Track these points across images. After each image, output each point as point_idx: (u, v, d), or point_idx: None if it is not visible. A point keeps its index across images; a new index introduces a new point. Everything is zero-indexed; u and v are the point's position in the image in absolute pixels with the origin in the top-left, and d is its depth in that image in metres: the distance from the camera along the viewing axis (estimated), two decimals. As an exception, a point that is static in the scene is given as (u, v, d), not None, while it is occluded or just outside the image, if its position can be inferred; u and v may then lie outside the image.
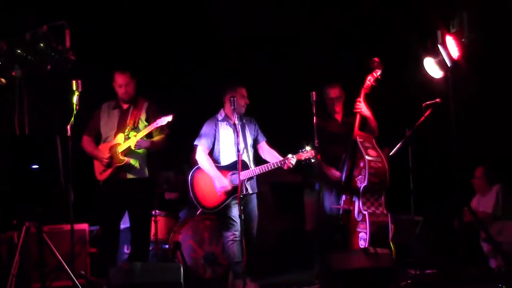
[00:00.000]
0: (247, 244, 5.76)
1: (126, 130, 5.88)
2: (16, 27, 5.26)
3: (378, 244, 5.47)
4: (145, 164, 5.92)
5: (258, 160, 6.10)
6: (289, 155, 5.74)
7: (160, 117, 5.81)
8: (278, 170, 6.03)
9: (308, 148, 5.72)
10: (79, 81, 5.36)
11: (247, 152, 5.95)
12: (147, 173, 5.93)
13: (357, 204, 5.83)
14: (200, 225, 6.77)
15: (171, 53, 7.80)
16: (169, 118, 5.80)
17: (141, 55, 7.51)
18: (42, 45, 5.08)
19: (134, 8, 7.35)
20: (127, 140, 5.83)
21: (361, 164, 5.85)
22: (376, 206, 5.84)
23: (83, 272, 5.83)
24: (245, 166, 5.81)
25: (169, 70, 7.81)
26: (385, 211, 5.84)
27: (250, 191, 5.86)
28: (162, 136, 5.97)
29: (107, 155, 5.85)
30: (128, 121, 5.92)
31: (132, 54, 7.38)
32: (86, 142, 6.02)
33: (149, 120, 5.94)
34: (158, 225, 6.70)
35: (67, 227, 5.52)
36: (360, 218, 5.79)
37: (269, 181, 7.99)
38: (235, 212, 5.83)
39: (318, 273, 5.97)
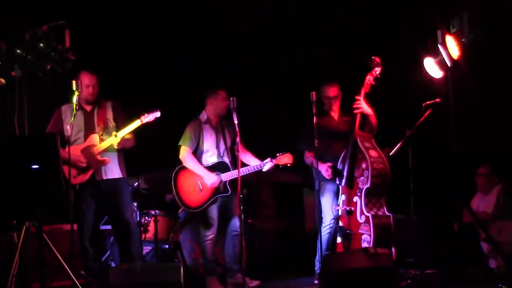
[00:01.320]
0: (218, 241, 6.15)
1: (97, 131, 5.85)
2: (16, 27, 5.25)
3: (383, 245, 5.45)
4: (117, 163, 5.92)
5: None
6: (267, 160, 6.00)
7: (144, 114, 5.83)
8: (278, 171, 6.18)
9: (285, 153, 5.98)
10: (79, 81, 5.37)
11: (227, 154, 6.17)
12: (121, 172, 5.94)
13: (359, 206, 5.81)
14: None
15: (170, 53, 7.81)
16: (157, 114, 5.84)
17: (139, 55, 7.52)
18: (41, 45, 5.07)
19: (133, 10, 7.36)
20: (104, 141, 5.80)
21: (363, 166, 5.81)
22: (378, 207, 5.82)
23: (83, 272, 5.81)
24: (226, 168, 6.06)
25: (169, 70, 7.81)
26: (386, 212, 5.82)
27: (230, 192, 6.06)
28: (132, 134, 5.96)
29: (83, 159, 5.78)
30: (96, 122, 5.89)
31: (131, 54, 7.39)
32: None
33: (116, 120, 5.94)
34: (158, 225, 6.69)
35: (67, 227, 5.52)
36: (362, 220, 5.75)
37: (269, 181, 8.00)
38: (214, 212, 6.09)
39: (318, 273, 5.98)
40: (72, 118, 5.49)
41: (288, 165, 6.01)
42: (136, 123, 5.84)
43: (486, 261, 6.44)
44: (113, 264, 6.55)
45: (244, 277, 5.86)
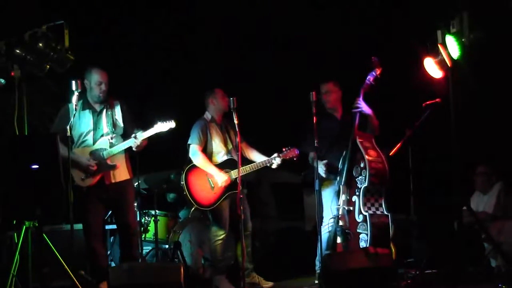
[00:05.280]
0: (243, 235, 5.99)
1: (106, 133, 5.65)
2: (16, 27, 5.26)
3: (380, 245, 5.46)
4: (125, 165, 5.78)
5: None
6: (274, 155, 6.14)
7: (158, 123, 5.61)
8: (279, 170, 6.22)
9: (292, 147, 6.13)
10: (79, 81, 5.34)
11: (235, 151, 6.20)
12: (129, 173, 5.82)
13: (357, 205, 5.81)
14: (200, 225, 6.77)
15: (170, 53, 7.81)
16: (171, 125, 5.64)
17: (140, 55, 7.52)
18: (41, 45, 5.08)
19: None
20: (119, 145, 5.62)
21: (362, 165, 5.82)
22: (376, 207, 5.82)
23: (83, 272, 5.81)
24: (236, 165, 6.02)
25: (169, 70, 7.82)
26: (385, 212, 5.82)
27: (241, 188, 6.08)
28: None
29: (93, 162, 5.58)
30: (106, 124, 5.69)
31: (131, 55, 7.39)
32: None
33: (125, 121, 5.75)
34: (158, 225, 6.70)
35: (67, 227, 5.51)
36: (360, 219, 5.76)
37: (269, 181, 8.01)
38: (226, 212, 6.16)
39: (319, 273, 5.98)
40: (72, 119, 5.43)
41: (295, 159, 6.16)
42: (155, 129, 5.61)
43: (486, 261, 6.44)
44: (113, 264, 6.55)
45: (258, 276, 6.22)
